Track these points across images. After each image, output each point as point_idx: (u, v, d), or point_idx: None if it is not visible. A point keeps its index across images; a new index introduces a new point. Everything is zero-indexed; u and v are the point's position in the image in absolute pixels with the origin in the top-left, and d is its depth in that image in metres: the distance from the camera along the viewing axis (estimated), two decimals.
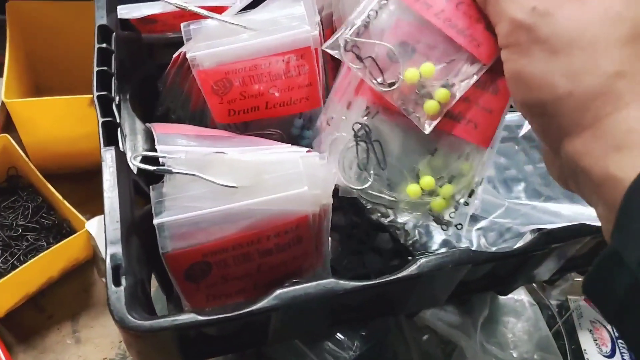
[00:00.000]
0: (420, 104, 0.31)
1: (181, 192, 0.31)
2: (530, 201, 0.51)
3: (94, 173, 0.32)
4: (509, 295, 0.46)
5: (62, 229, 0.56)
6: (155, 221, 0.30)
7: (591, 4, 0.25)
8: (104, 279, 0.52)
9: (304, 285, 0.28)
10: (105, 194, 0.31)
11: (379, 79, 0.31)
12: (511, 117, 0.56)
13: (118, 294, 0.28)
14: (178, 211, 0.31)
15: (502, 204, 0.51)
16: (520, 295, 0.49)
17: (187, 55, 0.39)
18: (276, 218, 0.31)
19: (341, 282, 0.28)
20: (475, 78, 0.31)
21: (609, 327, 0.50)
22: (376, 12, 0.32)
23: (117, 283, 0.28)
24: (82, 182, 0.59)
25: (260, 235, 0.31)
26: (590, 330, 0.50)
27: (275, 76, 0.40)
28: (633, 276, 0.21)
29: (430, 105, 0.31)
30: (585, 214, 0.48)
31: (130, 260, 0.30)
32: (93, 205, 0.56)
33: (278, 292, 0.28)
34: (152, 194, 0.31)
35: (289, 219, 0.31)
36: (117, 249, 0.29)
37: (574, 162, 0.25)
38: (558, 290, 0.54)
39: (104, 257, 0.30)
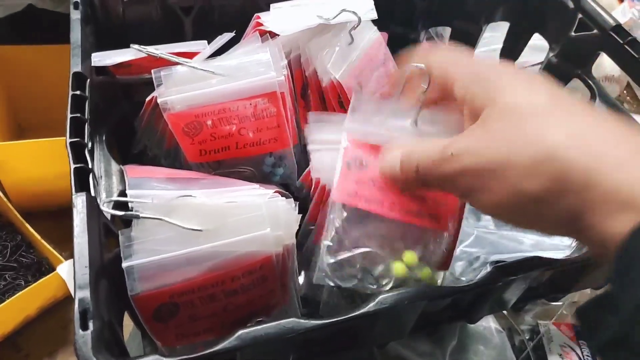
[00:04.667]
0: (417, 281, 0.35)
1: (149, 236, 0.33)
2: (498, 230, 0.53)
3: None
4: (478, 323, 0.47)
5: (42, 267, 0.56)
6: (124, 264, 0.32)
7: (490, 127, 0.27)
8: None
9: (265, 325, 0.29)
10: (75, 240, 0.32)
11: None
12: None
13: (85, 338, 0.29)
14: (146, 254, 0.32)
15: (471, 233, 0.53)
16: (488, 322, 0.50)
17: (158, 100, 0.41)
18: (240, 259, 0.32)
19: (301, 321, 0.29)
20: (444, 247, 0.34)
21: (578, 350, 0.51)
22: (341, 225, 0.34)
23: (84, 327, 0.29)
24: (63, 220, 0.60)
25: (225, 276, 0.32)
26: (560, 355, 0.51)
27: (244, 118, 0.42)
28: (622, 324, 0.22)
29: (425, 277, 0.34)
30: (546, 242, 0.50)
31: (98, 303, 0.31)
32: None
33: (239, 332, 0.29)
34: (120, 238, 0.32)
35: (253, 259, 0.33)
36: (86, 294, 0.30)
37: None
38: (530, 315, 0.56)
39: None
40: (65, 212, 0.60)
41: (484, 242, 0.51)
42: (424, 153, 0.30)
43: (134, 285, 0.32)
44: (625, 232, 0.22)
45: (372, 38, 0.48)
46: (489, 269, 0.36)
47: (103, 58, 0.44)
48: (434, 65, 0.33)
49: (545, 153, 0.24)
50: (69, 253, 0.55)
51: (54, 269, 0.54)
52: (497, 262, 0.36)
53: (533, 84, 0.27)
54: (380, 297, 0.31)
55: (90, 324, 0.29)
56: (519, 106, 0.26)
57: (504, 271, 0.34)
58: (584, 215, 0.24)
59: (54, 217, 0.60)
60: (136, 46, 0.43)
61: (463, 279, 0.48)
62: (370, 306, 0.31)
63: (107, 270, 0.34)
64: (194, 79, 0.41)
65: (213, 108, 0.41)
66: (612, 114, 0.28)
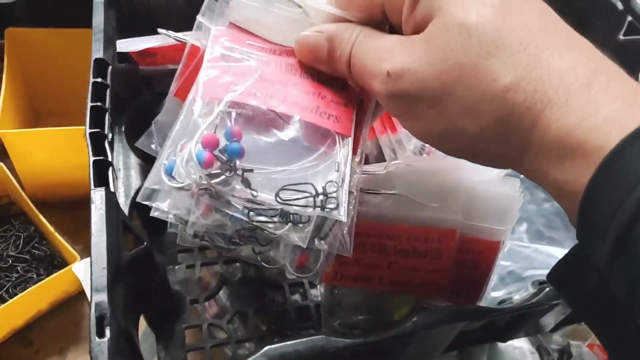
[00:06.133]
0: None
1: None
2: (532, 243, 0.50)
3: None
4: (508, 343, 0.45)
5: (54, 260, 0.54)
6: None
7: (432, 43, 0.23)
8: None
9: (294, 342, 0.27)
10: (93, 239, 0.30)
11: None
12: None
13: (101, 346, 0.27)
14: None
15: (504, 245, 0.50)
16: (520, 342, 0.47)
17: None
18: (425, 222, 0.31)
19: (332, 339, 0.27)
20: None
21: None
22: None
23: (100, 334, 0.27)
24: (78, 211, 0.58)
25: (403, 232, 0.31)
26: None
27: None
28: (600, 275, 0.21)
29: None
30: None
31: (115, 308, 0.29)
32: (88, 235, 0.55)
33: (266, 349, 0.27)
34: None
35: (436, 228, 0.31)
36: (103, 297, 0.28)
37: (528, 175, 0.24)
38: (559, 333, 0.53)
39: (90, 303, 0.29)
40: (78, 203, 0.59)
41: (517, 256, 0.48)
42: (360, 50, 0.25)
43: None
44: (579, 181, 0.21)
45: None
46: (531, 289, 0.33)
47: (128, 44, 0.42)
48: None
49: (492, 94, 0.22)
50: (81, 247, 0.53)
51: (66, 263, 0.53)
52: (541, 282, 0.33)
53: None
54: (418, 316, 0.29)
55: (107, 331, 0.27)
56: (468, 20, 0.22)
57: (551, 293, 0.32)
58: (527, 159, 0.23)
59: (67, 208, 0.58)
60: (163, 31, 0.41)
61: (494, 294, 0.45)
62: (407, 326, 0.29)
63: (126, 270, 0.32)
64: None
65: None
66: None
